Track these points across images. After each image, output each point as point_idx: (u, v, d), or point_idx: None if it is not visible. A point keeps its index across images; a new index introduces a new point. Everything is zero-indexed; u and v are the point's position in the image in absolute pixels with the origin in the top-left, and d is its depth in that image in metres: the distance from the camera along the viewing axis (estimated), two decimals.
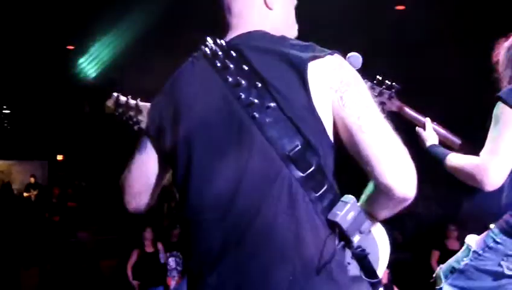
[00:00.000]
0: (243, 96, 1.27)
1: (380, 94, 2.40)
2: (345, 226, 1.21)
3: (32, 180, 15.19)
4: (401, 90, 2.41)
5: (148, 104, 1.84)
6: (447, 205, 7.46)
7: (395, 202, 1.26)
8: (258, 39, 1.36)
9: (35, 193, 14.31)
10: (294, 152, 1.22)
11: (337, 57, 1.30)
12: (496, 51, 2.27)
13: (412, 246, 7.49)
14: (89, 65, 11.78)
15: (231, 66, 1.31)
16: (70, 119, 15.71)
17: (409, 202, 1.25)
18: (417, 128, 2.40)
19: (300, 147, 1.22)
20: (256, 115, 1.25)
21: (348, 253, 1.27)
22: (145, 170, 1.47)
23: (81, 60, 11.65)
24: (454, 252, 2.33)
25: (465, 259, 2.20)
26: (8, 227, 9.18)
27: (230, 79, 1.30)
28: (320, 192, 1.23)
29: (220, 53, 1.34)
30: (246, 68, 1.29)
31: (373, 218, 1.33)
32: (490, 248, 2.13)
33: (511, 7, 6.04)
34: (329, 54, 1.29)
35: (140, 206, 1.53)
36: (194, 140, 1.31)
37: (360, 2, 7.10)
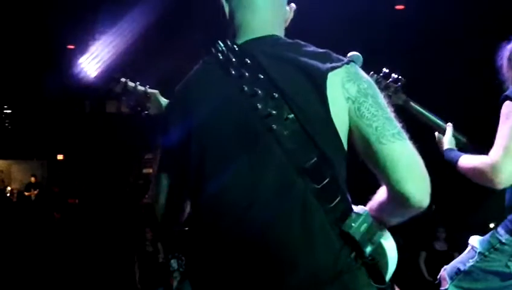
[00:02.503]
0: (260, 106, 1.25)
1: (386, 88, 2.41)
2: (358, 237, 1.22)
3: (32, 179, 15.19)
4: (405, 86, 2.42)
5: (155, 91, 1.90)
6: (436, 206, 7.44)
7: (409, 211, 1.26)
8: (273, 45, 1.34)
9: (35, 192, 14.31)
10: (310, 165, 1.22)
11: (353, 66, 1.29)
12: (499, 54, 2.28)
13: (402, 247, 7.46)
14: (89, 65, 11.78)
15: (246, 74, 1.28)
16: (71, 119, 15.71)
17: (422, 210, 1.25)
18: (436, 133, 2.43)
19: (316, 159, 1.22)
20: (274, 127, 1.23)
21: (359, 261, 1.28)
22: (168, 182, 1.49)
23: (81, 60, 11.65)
24: (442, 253, 2.34)
25: (470, 260, 2.20)
26: (8, 227, 9.18)
27: (246, 88, 1.28)
28: (334, 203, 1.23)
29: (233, 59, 1.32)
30: (262, 77, 1.27)
31: (382, 224, 1.34)
32: (496, 249, 2.13)
33: (511, 7, 6.04)
34: (346, 63, 1.28)
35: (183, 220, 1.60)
36: (208, 150, 1.29)
37: (360, 2, 7.10)
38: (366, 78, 1.29)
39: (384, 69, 2.42)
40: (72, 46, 11.08)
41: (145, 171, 20.44)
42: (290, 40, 1.37)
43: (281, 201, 1.21)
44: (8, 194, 14.32)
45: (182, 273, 7.01)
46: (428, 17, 7.72)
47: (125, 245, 8.25)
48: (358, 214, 1.25)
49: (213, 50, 1.38)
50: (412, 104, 2.44)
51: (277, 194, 1.21)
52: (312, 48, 1.33)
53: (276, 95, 1.24)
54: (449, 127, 2.40)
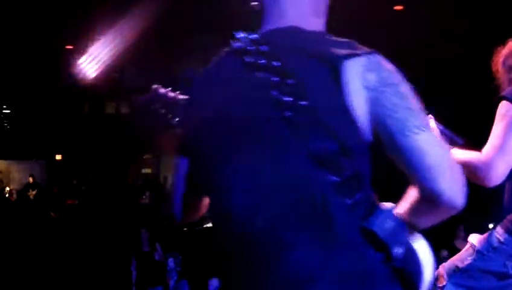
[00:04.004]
0: (274, 93, 1.18)
1: None
2: (382, 235, 1.13)
3: (31, 180, 15.17)
4: None
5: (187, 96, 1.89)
6: None
7: (440, 210, 1.16)
8: (293, 35, 1.28)
9: (34, 192, 14.29)
10: (327, 156, 1.14)
11: (375, 56, 1.20)
12: (494, 58, 2.29)
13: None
14: (89, 65, 11.78)
15: (262, 62, 1.22)
16: (69, 119, 15.71)
17: (457, 211, 1.15)
18: None
19: (333, 150, 1.14)
20: (288, 115, 1.16)
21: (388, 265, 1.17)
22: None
23: (80, 60, 11.65)
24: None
25: (469, 258, 2.20)
26: (7, 228, 9.18)
27: (260, 75, 1.21)
28: (355, 199, 1.15)
29: (251, 48, 1.26)
30: (277, 64, 1.20)
31: (414, 229, 1.24)
32: (494, 248, 2.14)
33: (510, 7, 6.05)
34: (367, 52, 1.20)
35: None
36: (220, 139, 1.24)
37: (359, 2, 7.10)
38: (389, 68, 1.21)
39: None
40: (71, 47, 11.08)
41: (143, 171, 20.49)
42: (312, 31, 1.30)
43: (297, 196, 1.13)
44: (7, 195, 14.30)
45: (179, 272, 7.02)
46: (427, 18, 7.73)
47: (122, 245, 8.25)
48: (382, 211, 1.17)
49: (232, 40, 1.34)
50: None
51: (293, 188, 1.14)
52: (334, 38, 1.26)
53: (291, 82, 1.17)
54: (431, 120, 2.39)
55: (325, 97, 1.15)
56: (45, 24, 8.99)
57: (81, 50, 11.10)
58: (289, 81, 1.17)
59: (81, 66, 11.87)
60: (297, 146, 1.15)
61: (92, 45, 10.53)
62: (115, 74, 12.89)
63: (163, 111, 1.74)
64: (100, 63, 11.38)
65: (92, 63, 11.56)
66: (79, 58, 11.50)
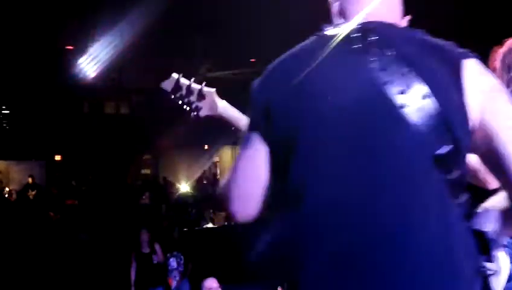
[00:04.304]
0: (392, 82, 1.09)
1: None
2: (490, 236, 1.12)
3: (30, 180, 15.16)
4: None
5: (212, 90, 1.73)
6: None
7: None
8: (396, 26, 1.21)
9: (33, 193, 14.28)
10: (443, 153, 1.07)
11: (479, 61, 1.16)
12: (492, 58, 2.28)
13: None
14: (88, 65, 11.78)
15: (372, 49, 1.13)
16: (69, 120, 15.70)
17: None
18: None
19: (451, 147, 1.07)
20: (407, 106, 1.07)
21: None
22: (253, 167, 1.22)
23: (80, 60, 11.65)
24: None
25: None
26: (7, 228, 9.17)
27: (374, 63, 1.11)
28: (462, 198, 1.11)
29: (355, 35, 1.16)
30: (390, 54, 1.12)
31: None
32: None
33: (510, 8, 6.06)
34: (474, 54, 1.15)
35: (250, 213, 1.25)
36: (325, 130, 1.11)
37: None
38: (493, 75, 1.17)
39: None
40: (70, 47, 11.08)
41: (143, 172, 20.50)
42: (411, 28, 1.24)
43: (414, 195, 1.06)
44: (7, 195, 14.29)
45: (180, 272, 7.02)
46: (426, 18, 7.73)
47: (122, 246, 8.25)
48: (489, 212, 1.14)
49: (327, 26, 1.23)
50: None
51: (409, 186, 1.07)
52: (434, 38, 1.20)
53: (408, 73, 1.09)
54: None
55: (444, 91, 1.09)
56: (45, 24, 8.99)
57: (81, 50, 11.10)
58: (406, 70, 1.10)
59: (81, 66, 11.86)
60: (414, 139, 1.08)
61: (92, 45, 10.52)
62: (115, 74, 12.88)
63: (182, 102, 1.68)
64: (100, 63, 11.38)
65: (92, 63, 11.56)
66: (79, 58, 11.50)
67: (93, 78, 12.32)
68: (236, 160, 1.26)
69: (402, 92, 1.08)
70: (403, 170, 1.07)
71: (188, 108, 1.72)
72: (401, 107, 1.08)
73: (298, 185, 1.13)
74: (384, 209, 1.06)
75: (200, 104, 1.72)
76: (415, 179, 1.07)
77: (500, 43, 2.28)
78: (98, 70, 11.88)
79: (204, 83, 1.70)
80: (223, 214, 11.87)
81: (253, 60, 11.67)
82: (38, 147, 16.11)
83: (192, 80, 1.70)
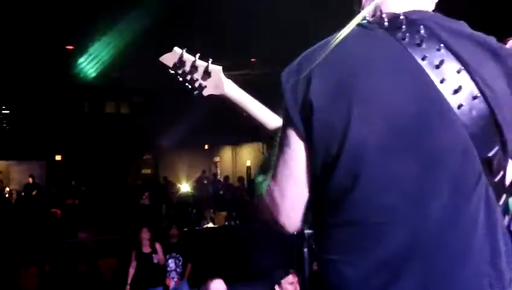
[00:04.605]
0: (446, 80, 1.04)
1: None
2: None
3: (30, 180, 15.18)
4: None
5: (219, 67, 1.61)
6: None
7: None
8: (441, 18, 1.15)
9: (33, 193, 14.29)
10: (493, 154, 1.04)
11: None
12: None
13: None
14: (89, 65, 11.78)
15: (424, 44, 1.07)
16: (69, 119, 15.71)
17: None
18: None
19: (498, 149, 1.05)
20: (464, 105, 1.03)
21: None
22: (297, 172, 1.14)
23: (80, 60, 11.65)
24: None
25: None
26: (7, 228, 9.17)
27: (428, 58, 1.06)
28: (502, 200, 1.09)
29: (402, 27, 1.09)
30: (442, 50, 1.07)
31: None
32: None
33: (507, 5, 6.06)
34: None
35: (298, 222, 1.17)
36: (375, 127, 1.04)
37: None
38: None
39: None
40: (70, 47, 11.08)
41: (143, 171, 20.50)
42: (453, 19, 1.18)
43: (466, 196, 1.03)
44: (7, 195, 14.30)
45: (179, 273, 7.01)
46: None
47: (122, 246, 8.25)
48: None
49: (368, 16, 1.18)
50: None
51: (462, 188, 1.03)
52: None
53: (462, 70, 1.05)
54: None
55: (497, 90, 1.06)
56: (45, 24, 8.99)
57: (81, 50, 11.10)
58: (460, 68, 1.06)
59: (82, 66, 11.87)
60: (467, 140, 1.04)
61: (92, 44, 10.52)
62: (115, 74, 12.88)
63: (186, 79, 1.58)
64: (100, 63, 11.38)
65: (92, 63, 11.56)
66: (79, 58, 11.50)
67: (94, 78, 12.32)
68: (277, 165, 1.16)
69: (455, 92, 1.04)
70: (458, 174, 1.03)
71: (190, 86, 1.60)
72: (454, 107, 1.04)
73: (345, 187, 1.06)
74: (436, 214, 1.02)
75: (204, 83, 1.59)
76: (466, 182, 1.03)
77: (500, 41, 2.28)
78: (98, 70, 11.88)
79: (210, 60, 1.58)
80: (223, 214, 11.89)
81: (253, 60, 11.67)
82: (39, 147, 16.13)
83: (198, 55, 1.58)
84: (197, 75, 1.59)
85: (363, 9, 1.22)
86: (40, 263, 7.87)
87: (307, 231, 2.44)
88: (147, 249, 6.75)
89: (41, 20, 8.86)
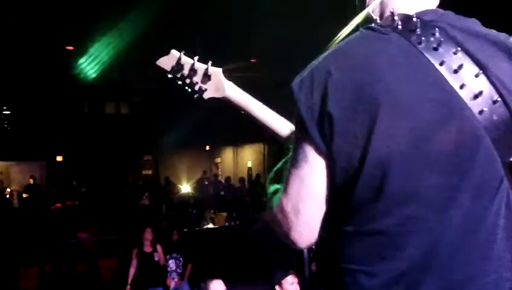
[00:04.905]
0: (466, 84, 1.03)
1: None
2: None
3: (31, 181, 15.19)
4: None
5: (219, 69, 1.57)
6: None
7: None
8: (454, 17, 1.13)
9: (34, 194, 14.30)
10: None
11: None
12: None
13: None
14: (89, 66, 11.78)
15: (441, 48, 1.05)
16: (70, 120, 15.72)
17: None
18: None
19: None
20: (485, 110, 1.02)
21: None
22: (313, 187, 1.10)
23: (80, 61, 11.65)
24: None
25: None
26: (8, 228, 9.18)
27: (446, 63, 1.04)
28: None
29: (417, 30, 1.07)
30: (458, 53, 1.05)
31: None
32: None
33: (510, 7, 6.05)
34: None
35: (313, 238, 1.14)
36: (397, 137, 1.02)
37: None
38: None
39: None
40: (71, 47, 11.08)
41: (143, 172, 20.51)
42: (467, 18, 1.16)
43: (489, 201, 1.03)
44: (8, 196, 14.31)
45: (179, 274, 7.01)
46: None
47: (122, 246, 8.24)
48: None
49: (379, 19, 1.15)
50: None
51: (484, 193, 1.03)
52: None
53: (480, 73, 1.04)
54: None
55: None
56: (46, 25, 8.99)
57: (81, 50, 11.10)
58: (478, 71, 1.04)
59: (82, 66, 11.87)
60: (491, 147, 1.03)
61: (92, 45, 10.52)
62: (115, 75, 12.88)
63: (184, 82, 1.55)
64: (100, 63, 11.38)
65: (92, 63, 11.57)
66: (79, 58, 11.51)
67: (94, 78, 12.32)
68: (290, 180, 1.12)
69: (476, 97, 1.03)
70: (481, 180, 1.02)
71: (190, 89, 1.56)
72: (476, 113, 1.03)
73: (367, 198, 1.04)
74: (458, 221, 1.02)
75: (204, 86, 1.56)
76: (488, 188, 1.03)
77: None
78: (98, 71, 11.88)
79: (210, 62, 1.54)
80: (223, 214, 11.89)
81: (253, 60, 11.67)
82: (39, 147, 16.14)
83: (196, 58, 1.54)
84: (197, 78, 1.55)
85: (367, 7, 1.21)
86: (40, 263, 7.87)
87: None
88: (148, 249, 6.74)
89: (42, 20, 8.87)
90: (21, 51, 10.18)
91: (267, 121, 1.55)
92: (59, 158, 17.89)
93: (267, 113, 1.57)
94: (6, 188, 15.47)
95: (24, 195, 14.30)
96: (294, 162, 1.11)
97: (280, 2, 7.24)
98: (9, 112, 16.73)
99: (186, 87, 1.56)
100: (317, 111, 1.06)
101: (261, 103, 1.58)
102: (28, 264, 8.07)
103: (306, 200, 1.10)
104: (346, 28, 1.11)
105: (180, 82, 1.55)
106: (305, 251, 2.68)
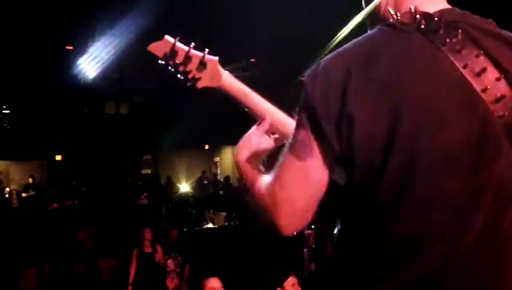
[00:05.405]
0: (489, 88, 1.02)
1: None
2: None
3: (30, 180, 15.18)
4: None
5: (215, 58, 1.51)
6: None
7: None
8: (473, 18, 1.12)
9: (33, 193, 14.29)
10: None
11: None
12: None
13: None
14: (88, 65, 11.78)
15: (464, 50, 1.04)
16: (70, 120, 15.72)
17: None
18: None
19: None
20: (506, 115, 1.01)
21: None
22: (310, 181, 1.09)
23: (80, 61, 11.65)
24: None
25: None
26: (7, 228, 9.18)
27: (469, 66, 1.03)
28: None
29: (441, 30, 1.05)
30: (481, 56, 1.04)
31: None
32: None
33: (510, 7, 6.06)
34: None
35: (299, 228, 1.15)
36: (422, 140, 1.00)
37: (359, 2, 7.09)
38: None
39: None
40: (70, 47, 11.08)
41: (143, 172, 20.50)
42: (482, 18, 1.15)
43: (507, 203, 1.03)
44: (7, 195, 14.30)
45: (178, 274, 7.00)
46: None
47: (122, 246, 8.25)
48: None
49: (398, 16, 1.12)
50: None
51: (504, 195, 1.02)
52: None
53: (501, 77, 1.03)
54: None
55: None
56: (45, 24, 8.99)
57: (81, 50, 11.10)
58: (500, 75, 1.04)
59: (81, 66, 11.87)
60: (510, 150, 1.03)
61: (92, 45, 10.53)
62: (115, 74, 12.88)
63: (178, 70, 1.49)
64: (100, 63, 11.39)
65: (92, 63, 11.57)
66: (79, 58, 11.51)
67: (94, 78, 12.32)
68: (287, 169, 1.11)
69: (497, 101, 1.02)
70: (498, 182, 1.02)
71: (183, 77, 1.49)
72: (497, 117, 1.02)
73: (389, 202, 1.02)
74: (478, 225, 1.01)
75: (199, 74, 1.48)
76: (508, 191, 1.02)
77: None
78: (98, 71, 11.88)
79: (206, 50, 1.47)
80: (223, 214, 11.89)
81: (253, 60, 11.68)
82: (39, 147, 16.13)
83: (192, 45, 1.47)
84: (191, 66, 1.49)
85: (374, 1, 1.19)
86: (40, 263, 7.87)
87: (306, 232, 2.45)
88: (148, 249, 6.75)
89: (41, 20, 8.87)
90: (21, 51, 10.18)
91: (264, 112, 1.51)
92: (58, 158, 17.87)
93: (264, 105, 1.53)
94: (5, 188, 15.45)
95: (23, 195, 14.29)
96: (296, 154, 1.09)
97: (280, 2, 7.25)
98: (8, 112, 16.72)
99: (179, 75, 1.50)
100: (335, 110, 1.03)
101: (258, 95, 1.54)
102: (28, 264, 8.07)
103: (303, 193, 1.10)
104: (352, 21, 1.08)
105: (172, 69, 1.49)
106: (305, 250, 2.69)
